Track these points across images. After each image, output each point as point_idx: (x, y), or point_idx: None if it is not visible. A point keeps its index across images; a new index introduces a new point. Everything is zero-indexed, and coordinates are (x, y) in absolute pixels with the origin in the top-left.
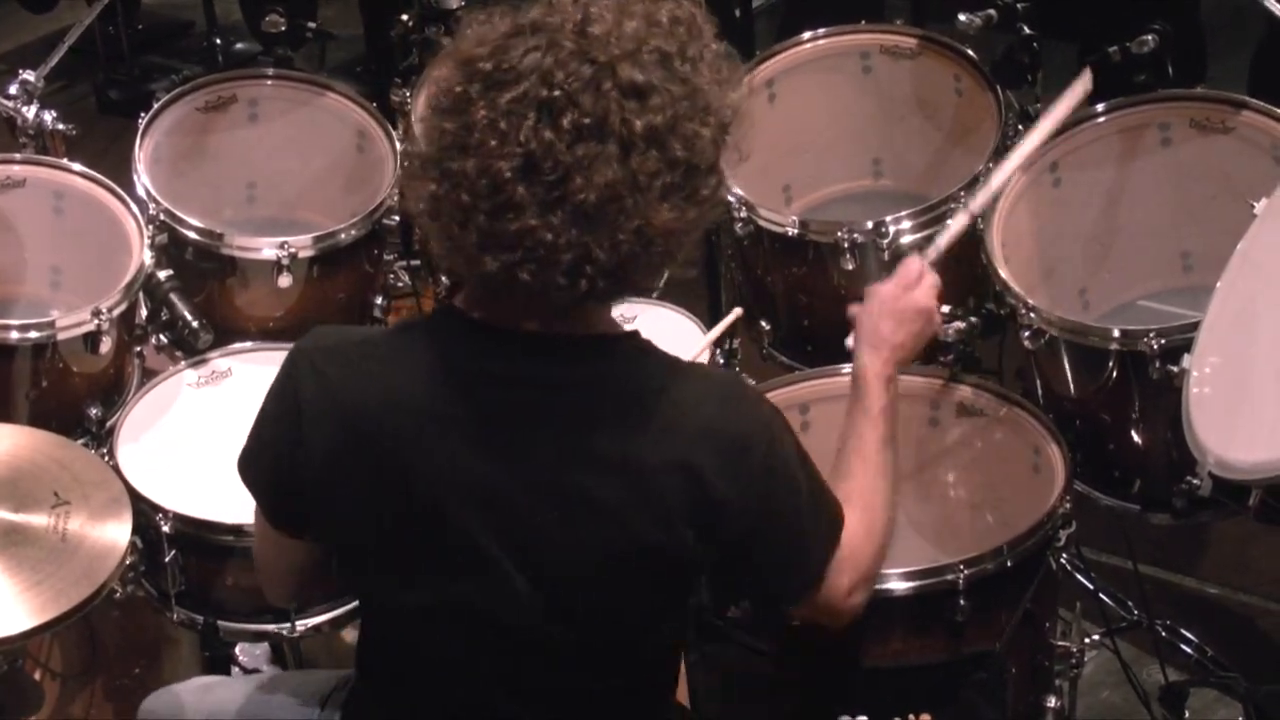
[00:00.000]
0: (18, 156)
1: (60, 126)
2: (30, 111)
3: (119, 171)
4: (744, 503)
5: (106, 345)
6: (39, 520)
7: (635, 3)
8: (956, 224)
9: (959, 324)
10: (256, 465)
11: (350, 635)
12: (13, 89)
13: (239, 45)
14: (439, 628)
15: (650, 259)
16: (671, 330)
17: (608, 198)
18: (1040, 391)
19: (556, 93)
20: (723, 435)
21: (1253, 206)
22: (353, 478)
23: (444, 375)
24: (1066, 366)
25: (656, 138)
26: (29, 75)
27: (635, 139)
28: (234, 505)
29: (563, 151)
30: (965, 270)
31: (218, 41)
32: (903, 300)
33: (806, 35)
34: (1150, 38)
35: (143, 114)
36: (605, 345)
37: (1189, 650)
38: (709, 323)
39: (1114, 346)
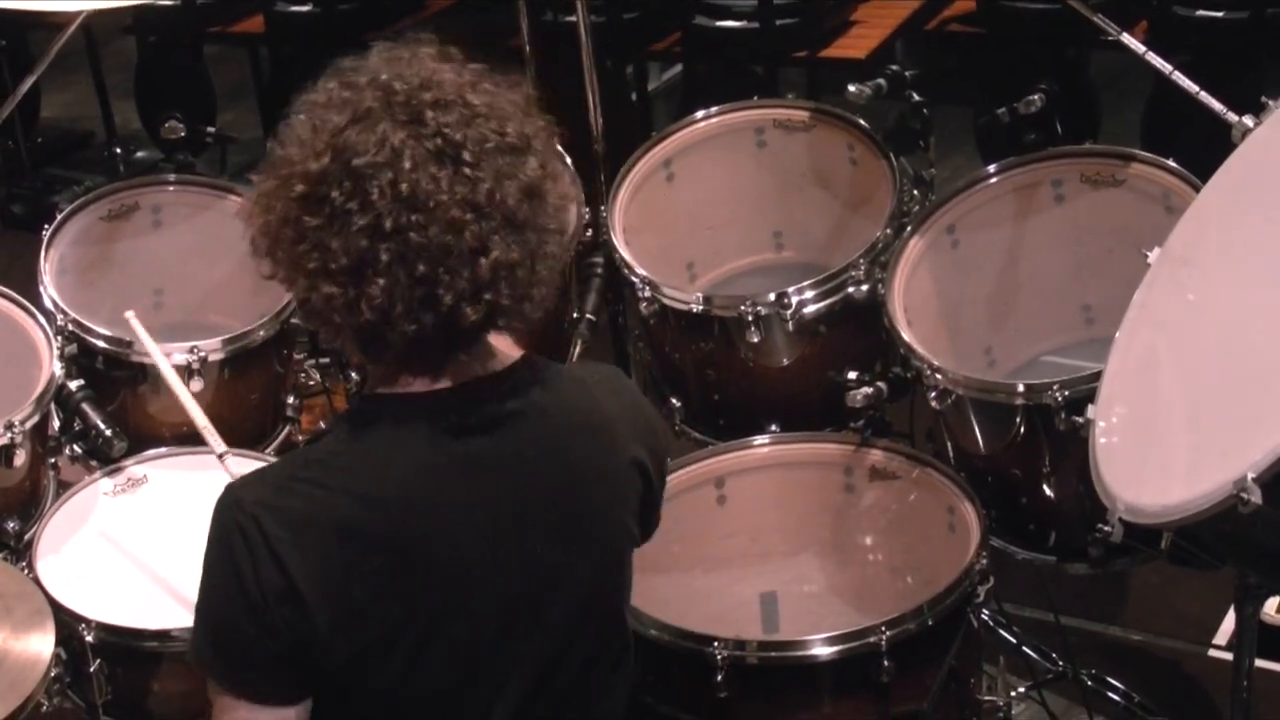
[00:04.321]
0: None
1: None
2: None
3: (25, 284)
4: (658, 464)
5: (20, 458)
6: None
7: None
8: None
9: (867, 389)
10: (247, 654)
11: None
12: None
13: (139, 153)
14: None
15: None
16: None
17: (524, 197)
18: (951, 451)
19: (405, 164)
20: (638, 411)
21: (1146, 256)
22: (373, 597)
23: (418, 450)
24: (975, 424)
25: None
26: None
27: (482, 155)
28: (157, 611)
29: (444, 184)
30: (870, 335)
31: (118, 150)
32: None
33: (700, 114)
34: (1037, 98)
35: (46, 226)
36: (523, 370)
37: (1116, 698)
38: None
39: (1019, 401)
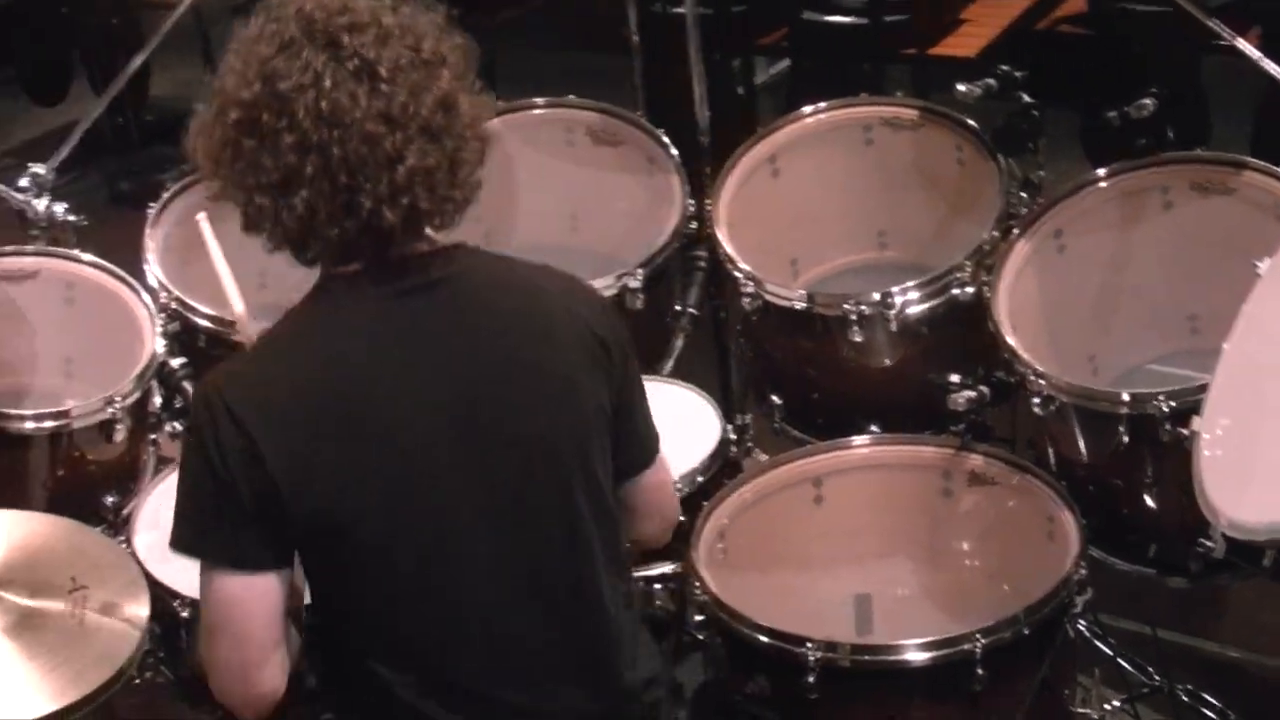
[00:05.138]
0: (29, 248)
1: (71, 218)
2: (41, 204)
3: (130, 261)
4: (616, 337)
5: (120, 434)
6: (56, 605)
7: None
8: None
9: (969, 393)
10: (217, 520)
11: None
12: (23, 182)
13: None
14: (448, 567)
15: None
16: (683, 407)
17: (438, 107)
18: (1052, 458)
19: (328, 82)
20: (585, 290)
21: (1257, 266)
22: (334, 450)
23: (360, 313)
24: (1077, 432)
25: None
26: (39, 168)
27: (398, 70)
28: None
29: (364, 99)
30: (974, 338)
31: None
32: None
33: (808, 109)
34: (1148, 101)
35: (153, 204)
36: (453, 248)
37: (1211, 715)
38: (721, 399)
39: (1123, 411)
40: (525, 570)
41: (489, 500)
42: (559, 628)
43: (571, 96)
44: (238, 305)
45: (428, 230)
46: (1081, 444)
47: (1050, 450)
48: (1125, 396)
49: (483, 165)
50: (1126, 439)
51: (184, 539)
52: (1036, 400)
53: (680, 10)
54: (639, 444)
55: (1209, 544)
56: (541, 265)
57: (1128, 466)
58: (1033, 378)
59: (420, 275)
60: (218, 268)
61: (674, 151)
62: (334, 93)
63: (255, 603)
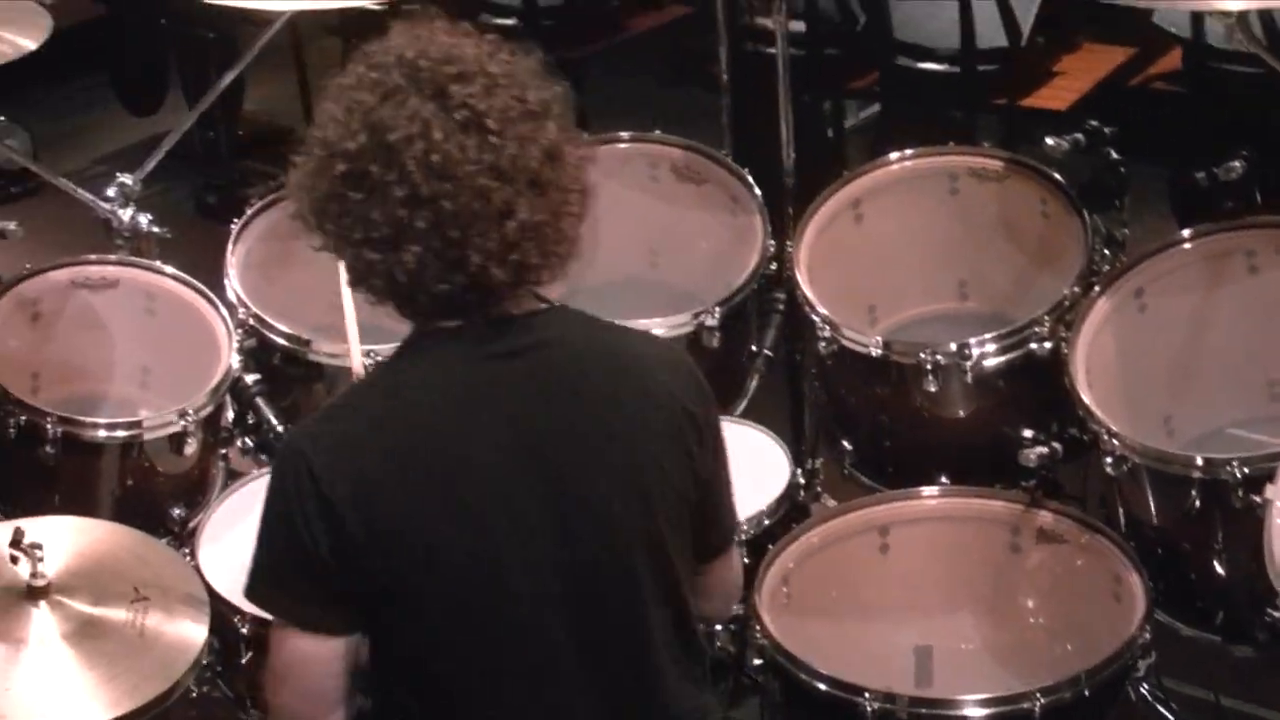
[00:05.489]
0: (112, 258)
1: (155, 230)
2: (126, 214)
3: (212, 275)
4: (707, 418)
5: (191, 447)
6: (117, 614)
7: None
8: None
9: (1041, 449)
10: (295, 583)
11: None
12: (110, 191)
13: None
14: (528, 629)
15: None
16: (754, 449)
17: (545, 159)
18: (1122, 518)
19: (436, 136)
20: (681, 363)
21: None
22: (416, 519)
23: (447, 371)
24: (1149, 494)
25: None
26: (126, 178)
27: (508, 121)
28: None
29: (472, 151)
30: (1049, 394)
31: None
32: None
33: (894, 155)
34: (1238, 164)
35: (236, 220)
36: (554, 311)
37: None
38: (792, 443)
39: (1196, 475)
40: (581, 648)
41: (558, 579)
42: (608, 706)
43: (657, 132)
44: (357, 362)
45: (531, 286)
46: (1153, 506)
47: (1121, 510)
48: (1199, 460)
49: (584, 218)
50: (1198, 503)
51: (259, 593)
52: (1109, 459)
53: (772, 51)
54: (716, 530)
55: (1277, 613)
56: (642, 333)
57: (1198, 531)
58: (1106, 437)
59: (516, 338)
60: (348, 321)
61: (758, 192)
62: (445, 144)
63: (324, 664)
